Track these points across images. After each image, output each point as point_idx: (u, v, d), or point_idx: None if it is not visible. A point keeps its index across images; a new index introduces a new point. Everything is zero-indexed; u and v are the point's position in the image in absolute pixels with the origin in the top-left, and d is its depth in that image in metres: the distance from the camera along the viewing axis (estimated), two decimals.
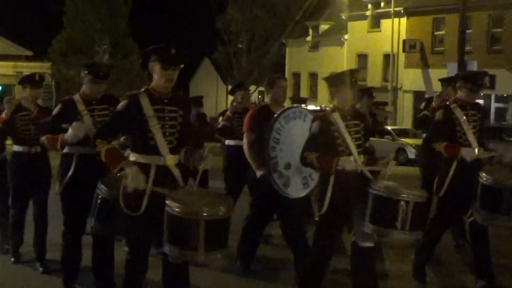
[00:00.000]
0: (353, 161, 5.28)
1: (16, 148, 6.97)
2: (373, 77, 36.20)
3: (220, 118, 9.04)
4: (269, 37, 41.13)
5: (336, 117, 5.32)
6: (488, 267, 6.30)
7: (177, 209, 4.29)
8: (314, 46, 42.24)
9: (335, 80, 5.61)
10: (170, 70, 4.66)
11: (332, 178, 5.24)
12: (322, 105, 25.58)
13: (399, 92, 34.31)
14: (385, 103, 34.22)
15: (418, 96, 34.40)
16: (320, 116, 5.51)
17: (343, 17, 38.94)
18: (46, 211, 7.14)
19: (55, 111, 5.78)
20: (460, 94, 6.45)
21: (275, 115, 6.43)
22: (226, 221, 4.47)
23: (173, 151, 4.69)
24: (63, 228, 5.96)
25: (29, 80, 7.03)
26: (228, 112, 8.80)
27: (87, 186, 5.40)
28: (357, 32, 38.22)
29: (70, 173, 5.59)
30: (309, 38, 42.70)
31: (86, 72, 5.73)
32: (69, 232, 5.85)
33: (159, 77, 4.68)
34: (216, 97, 48.09)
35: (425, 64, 33.45)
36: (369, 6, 37.03)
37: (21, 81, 7.19)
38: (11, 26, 51.54)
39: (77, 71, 42.76)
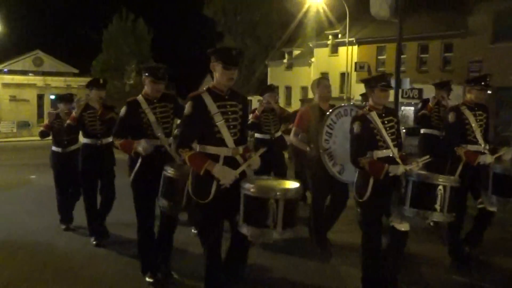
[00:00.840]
0: (401, 167, 4.55)
1: (85, 140, 6.52)
2: (333, 90, 35.91)
3: (250, 116, 8.11)
4: (255, 59, 41.04)
5: (374, 115, 4.67)
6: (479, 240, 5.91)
7: (252, 190, 3.74)
8: (289, 67, 42.22)
9: (370, 82, 4.84)
10: (232, 70, 4.05)
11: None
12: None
13: (351, 101, 34.36)
14: None
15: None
16: (359, 116, 4.76)
17: (310, 45, 38.89)
18: (109, 193, 6.68)
19: (121, 112, 4.95)
20: (469, 96, 5.76)
21: (328, 113, 5.91)
22: (297, 201, 3.95)
23: (237, 142, 4.10)
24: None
25: (95, 84, 6.59)
26: (256, 111, 8.11)
27: (152, 177, 4.73)
28: (320, 56, 38.20)
29: (137, 165, 4.84)
30: (285, 61, 42.64)
31: (146, 74, 4.93)
32: (141, 224, 5.03)
33: (221, 75, 4.06)
34: None
35: None
36: (330, 37, 36.90)
37: (88, 84, 6.67)
38: (62, 50, 51.27)
39: (111, 84, 42.80)
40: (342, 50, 35.62)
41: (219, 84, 4.13)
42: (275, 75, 42.80)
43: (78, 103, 6.48)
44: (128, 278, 5.40)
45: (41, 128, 7.43)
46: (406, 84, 20.22)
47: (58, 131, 7.18)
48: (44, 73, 47.16)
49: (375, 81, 4.79)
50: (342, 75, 35.39)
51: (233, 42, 39.82)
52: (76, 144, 7.26)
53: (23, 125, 44.01)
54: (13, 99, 44.60)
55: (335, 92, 35.90)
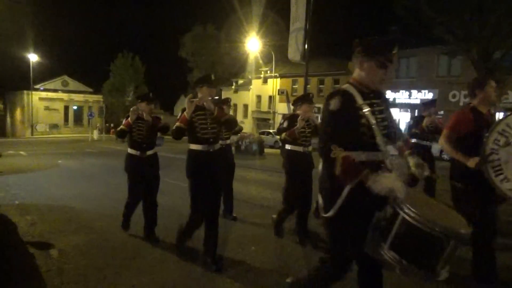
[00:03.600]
0: None
1: (193, 146, 3.70)
2: (264, 106, 36.46)
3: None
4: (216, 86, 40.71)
5: None
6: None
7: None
8: (236, 91, 41.75)
9: None
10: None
11: None
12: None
13: (276, 114, 34.66)
14: (269, 119, 34.73)
15: (284, 116, 34.89)
16: None
17: (250, 77, 38.93)
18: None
19: (332, 105, 2.29)
20: None
21: (500, 119, 3.07)
22: None
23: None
24: None
25: (204, 80, 3.81)
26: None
27: (365, 210, 2.11)
28: (256, 85, 38.20)
29: (344, 194, 2.14)
30: (233, 87, 42.07)
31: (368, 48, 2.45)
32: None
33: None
34: None
35: (288, 101, 33.92)
36: (262, 72, 36.93)
37: (197, 81, 3.82)
38: (82, 75, 49.77)
39: (117, 100, 41.31)
40: (270, 81, 35.79)
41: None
42: (227, 95, 42.48)
43: (188, 102, 3.69)
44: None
45: (121, 126, 4.52)
46: None
47: (138, 133, 4.51)
48: (69, 91, 46.62)
49: None
50: (270, 97, 35.63)
51: (199, 74, 39.43)
52: (153, 149, 4.62)
53: (53, 127, 45.10)
54: (46, 108, 44.71)
55: (266, 107, 36.20)
